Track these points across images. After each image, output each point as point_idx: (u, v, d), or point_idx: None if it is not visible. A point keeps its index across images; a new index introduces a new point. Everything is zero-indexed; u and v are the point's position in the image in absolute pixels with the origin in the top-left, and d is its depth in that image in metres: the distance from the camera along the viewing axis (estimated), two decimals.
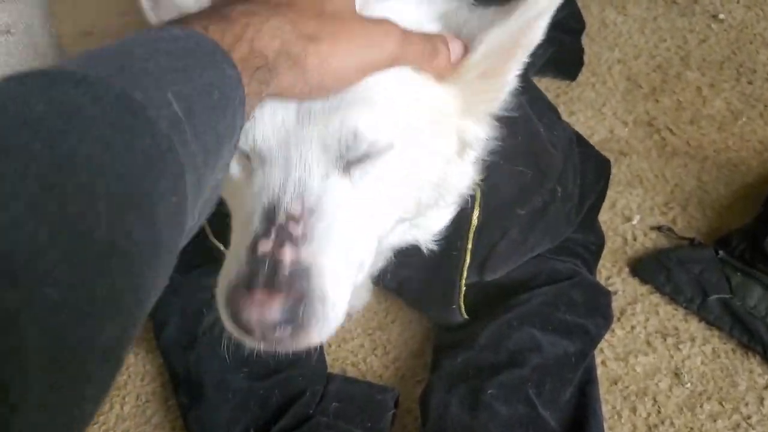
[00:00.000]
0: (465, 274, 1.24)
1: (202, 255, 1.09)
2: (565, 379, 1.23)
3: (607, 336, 1.37)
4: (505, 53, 0.92)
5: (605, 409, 1.26)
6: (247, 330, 0.77)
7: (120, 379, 1.38)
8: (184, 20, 0.67)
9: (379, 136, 0.84)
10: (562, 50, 2.07)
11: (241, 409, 1.22)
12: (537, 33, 0.91)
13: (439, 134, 0.95)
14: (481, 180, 1.09)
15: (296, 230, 0.80)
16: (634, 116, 1.92)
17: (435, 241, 1.17)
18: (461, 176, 1.05)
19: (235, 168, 0.87)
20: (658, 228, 1.58)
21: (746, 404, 1.27)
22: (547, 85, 2.04)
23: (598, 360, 1.34)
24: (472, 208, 1.17)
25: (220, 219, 0.89)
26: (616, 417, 1.26)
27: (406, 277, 1.29)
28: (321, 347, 1.33)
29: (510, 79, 0.97)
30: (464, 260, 1.22)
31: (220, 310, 0.82)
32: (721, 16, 2.22)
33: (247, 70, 0.65)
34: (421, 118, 0.91)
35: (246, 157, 0.85)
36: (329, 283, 0.81)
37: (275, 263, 0.77)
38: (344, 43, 0.75)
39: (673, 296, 1.43)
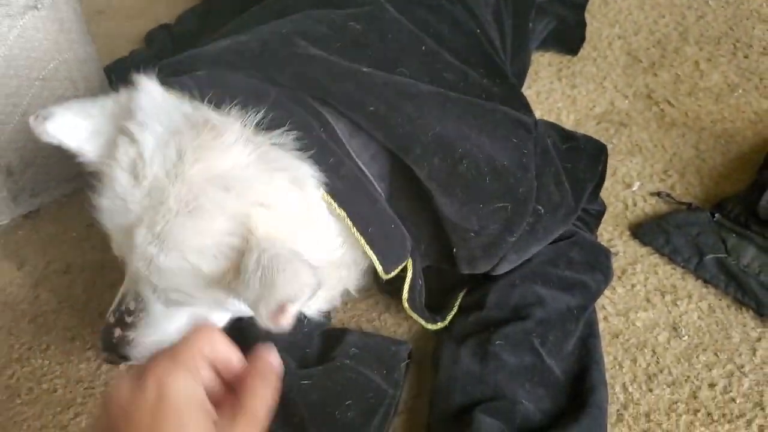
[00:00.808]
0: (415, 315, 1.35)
1: None
2: (567, 331, 1.31)
3: (608, 293, 1.45)
4: None
5: (607, 360, 1.33)
6: None
7: None
8: None
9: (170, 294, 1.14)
10: (563, 25, 2.14)
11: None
12: None
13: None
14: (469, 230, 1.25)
15: (128, 319, 1.18)
16: (634, 89, 1.99)
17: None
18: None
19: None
20: (658, 194, 1.66)
21: (740, 354, 1.34)
22: (549, 59, 2.11)
23: (600, 316, 1.41)
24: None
25: None
26: (617, 367, 1.34)
27: None
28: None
29: None
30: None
31: None
32: None
33: None
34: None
35: None
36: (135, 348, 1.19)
37: (109, 332, 1.19)
38: None
39: (672, 257, 1.50)
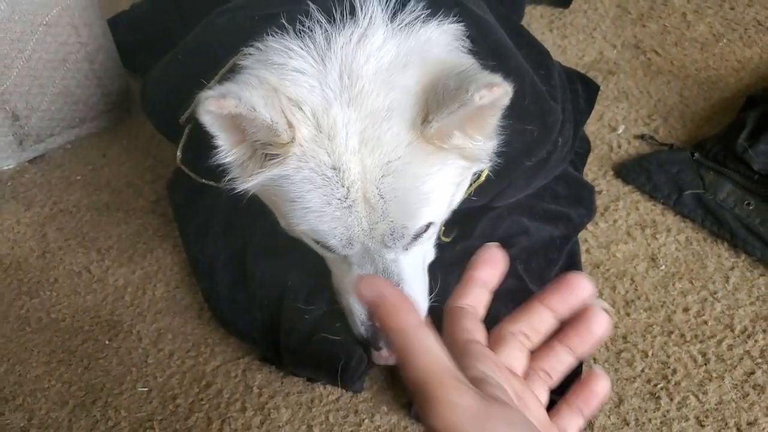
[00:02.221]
0: None
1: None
2: (549, 259, 1.38)
3: (591, 228, 1.52)
4: (470, 119, 1.05)
5: None
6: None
7: (151, 270, 1.53)
8: None
9: (419, 227, 1.15)
10: None
11: (248, 287, 1.41)
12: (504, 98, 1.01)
13: (457, 186, 1.20)
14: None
15: None
16: (623, 39, 2.04)
17: None
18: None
19: (335, 260, 1.24)
20: (641, 136, 1.72)
21: (713, 282, 1.41)
22: (541, 11, 2.16)
23: (582, 248, 1.48)
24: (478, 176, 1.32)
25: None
26: (597, 295, 1.41)
27: None
28: None
29: (490, 130, 1.11)
30: None
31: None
32: None
33: None
34: (444, 194, 1.16)
35: (341, 256, 1.19)
36: None
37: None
38: None
39: (652, 194, 1.57)
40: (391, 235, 1.12)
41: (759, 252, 1.43)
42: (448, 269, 1.39)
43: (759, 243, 1.44)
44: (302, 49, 1.07)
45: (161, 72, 1.42)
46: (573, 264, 1.41)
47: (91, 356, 1.40)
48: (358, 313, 1.22)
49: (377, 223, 1.10)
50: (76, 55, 1.78)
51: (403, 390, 1.29)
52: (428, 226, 1.17)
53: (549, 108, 1.36)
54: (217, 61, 1.20)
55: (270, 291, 1.36)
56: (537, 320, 0.77)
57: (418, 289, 1.24)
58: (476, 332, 0.73)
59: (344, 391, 1.31)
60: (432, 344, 0.64)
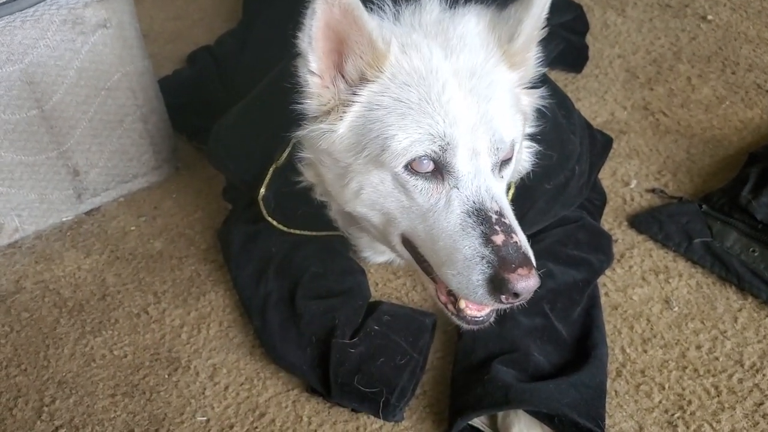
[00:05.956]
0: None
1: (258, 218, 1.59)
2: (573, 300, 1.51)
3: (609, 273, 1.65)
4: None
5: (607, 328, 1.53)
6: (514, 296, 1.16)
7: (204, 311, 1.67)
8: None
9: (514, 135, 1.27)
10: (569, 47, 2.37)
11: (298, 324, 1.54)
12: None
13: (522, 119, 1.34)
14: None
15: (507, 221, 1.20)
16: (632, 102, 2.21)
17: None
18: (525, 153, 1.45)
19: (431, 202, 1.23)
20: (652, 190, 1.87)
21: (723, 322, 1.54)
22: (556, 76, 2.32)
23: (602, 292, 1.61)
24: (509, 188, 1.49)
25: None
26: (616, 333, 1.53)
27: None
28: (366, 278, 1.66)
29: (534, 53, 1.33)
30: None
31: (469, 293, 1.19)
32: (710, 17, 2.52)
33: None
34: (518, 115, 1.31)
35: (440, 183, 1.23)
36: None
37: (515, 247, 1.16)
38: None
39: (664, 242, 1.71)
40: (493, 136, 1.22)
41: (765, 294, 1.56)
42: None
43: (764, 286, 1.57)
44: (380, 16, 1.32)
45: (235, 121, 1.59)
46: (593, 305, 1.54)
47: (153, 389, 1.53)
48: (473, 252, 1.17)
49: (477, 125, 1.21)
50: (132, 116, 1.95)
51: (441, 419, 1.41)
52: (512, 147, 1.27)
53: (568, 138, 1.56)
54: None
55: (319, 328, 1.49)
56: None
57: (518, 227, 1.22)
58: None
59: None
60: None
